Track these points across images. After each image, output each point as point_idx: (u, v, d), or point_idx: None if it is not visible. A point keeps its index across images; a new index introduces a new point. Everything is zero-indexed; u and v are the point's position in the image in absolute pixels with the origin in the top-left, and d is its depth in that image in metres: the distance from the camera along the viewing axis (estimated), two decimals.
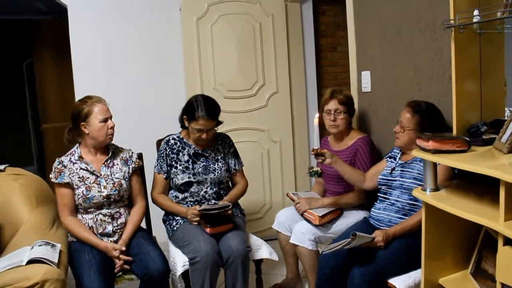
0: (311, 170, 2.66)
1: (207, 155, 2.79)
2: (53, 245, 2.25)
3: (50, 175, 2.49)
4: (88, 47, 3.85)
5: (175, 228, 2.67)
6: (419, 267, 2.14)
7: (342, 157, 2.90)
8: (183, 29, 3.92)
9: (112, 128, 2.54)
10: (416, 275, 2.26)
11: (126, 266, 2.42)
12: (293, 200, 3.01)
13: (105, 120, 2.50)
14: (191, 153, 2.77)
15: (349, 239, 2.22)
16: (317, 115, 2.59)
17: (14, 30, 7.22)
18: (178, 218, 2.70)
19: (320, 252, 2.63)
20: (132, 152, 2.70)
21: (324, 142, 3.13)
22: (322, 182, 3.15)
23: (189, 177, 2.72)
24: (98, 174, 2.53)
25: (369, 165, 2.82)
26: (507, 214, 1.59)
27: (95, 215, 2.50)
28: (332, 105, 2.91)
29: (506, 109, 2.21)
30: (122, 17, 3.90)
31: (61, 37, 4.62)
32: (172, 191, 2.82)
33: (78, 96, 3.78)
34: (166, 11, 3.99)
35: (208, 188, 2.75)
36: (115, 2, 3.88)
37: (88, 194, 2.47)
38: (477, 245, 2.07)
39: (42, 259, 2.07)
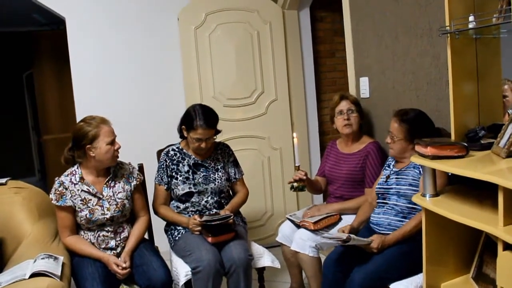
0: (294, 185, 2.80)
1: (207, 165, 2.80)
2: (55, 258, 2.25)
3: (51, 196, 2.46)
4: (87, 58, 3.87)
5: (177, 238, 2.68)
6: (420, 271, 2.14)
7: (352, 160, 2.92)
8: (181, 38, 3.94)
9: (118, 149, 2.50)
10: (417, 280, 2.25)
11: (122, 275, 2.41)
12: (293, 222, 2.97)
13: (111, 142, 2.46)
14: (191, 164, 2.78)
15: (345, 238, 2.30)
16: (295, 134, 2.72)
17: (13, 42, 7.28)
18: (180, 228, 2.70)
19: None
20: (133, 168, 2.68)
21: (331, 146, 3.13)
22: (319, 180, 3.15)
23: (189, 188, 2.73)
24: (100, 196, 2.49)
25: (378, 169, 2.82)
26: (506, 219, 1.59)
27: (97, 232, 2.49)
28: (344, 105, 2.94)
29: None
30: (120, 28, 3.92)
31: (61, 48, 4.65)
32: (173, 201, 2.82)
33: (78, 107, 3.81)
34: (164, 21, 4.00)
35: (209, 198, 2.75)
36: (112, 13, 3.90)
37: (91, 217, 2.45)
38: (478, 250, 2.08)
39: (45, 272, 2.08)
